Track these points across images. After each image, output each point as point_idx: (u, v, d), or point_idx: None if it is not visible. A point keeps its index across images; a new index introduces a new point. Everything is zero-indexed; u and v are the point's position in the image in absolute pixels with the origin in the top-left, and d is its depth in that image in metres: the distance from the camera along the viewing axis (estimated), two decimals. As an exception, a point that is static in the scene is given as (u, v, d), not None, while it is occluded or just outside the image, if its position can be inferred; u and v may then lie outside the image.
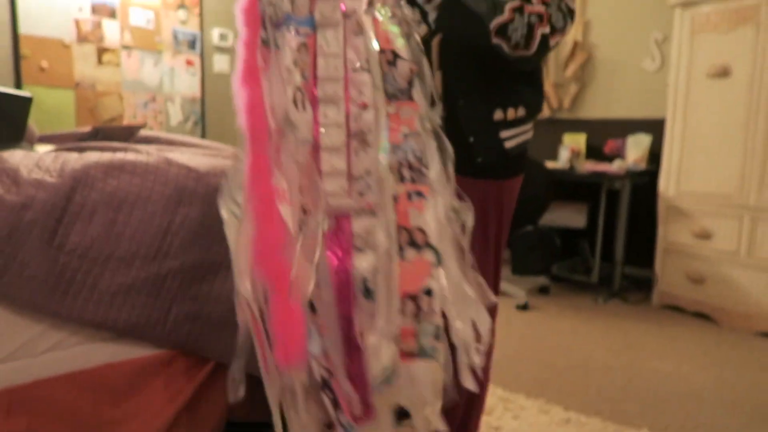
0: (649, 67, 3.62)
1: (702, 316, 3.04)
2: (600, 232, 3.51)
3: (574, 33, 3.84)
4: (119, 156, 1.42)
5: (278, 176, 1.06)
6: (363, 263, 1.07)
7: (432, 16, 1.28)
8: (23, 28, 3.35)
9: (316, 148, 1.09)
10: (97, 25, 3.66)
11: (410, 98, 1.14)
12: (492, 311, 1.23)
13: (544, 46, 1.22)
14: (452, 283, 1.11)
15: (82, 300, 1.26)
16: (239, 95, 1.06)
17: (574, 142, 3.73)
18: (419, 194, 1.11)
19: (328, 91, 1.11)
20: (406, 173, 1.11)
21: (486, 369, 1.52)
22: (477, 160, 1.34)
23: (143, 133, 1.93)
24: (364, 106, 1.11)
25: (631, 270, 3.69)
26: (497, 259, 1.48)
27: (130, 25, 3.81)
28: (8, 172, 1.24)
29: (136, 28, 3.84)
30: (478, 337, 1.12)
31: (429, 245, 1.09)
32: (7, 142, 1.46)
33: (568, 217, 3.76)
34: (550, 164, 3.43)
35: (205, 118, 4.29)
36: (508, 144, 1.35)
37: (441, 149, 1.16)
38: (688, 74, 3.02)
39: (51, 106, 3.47)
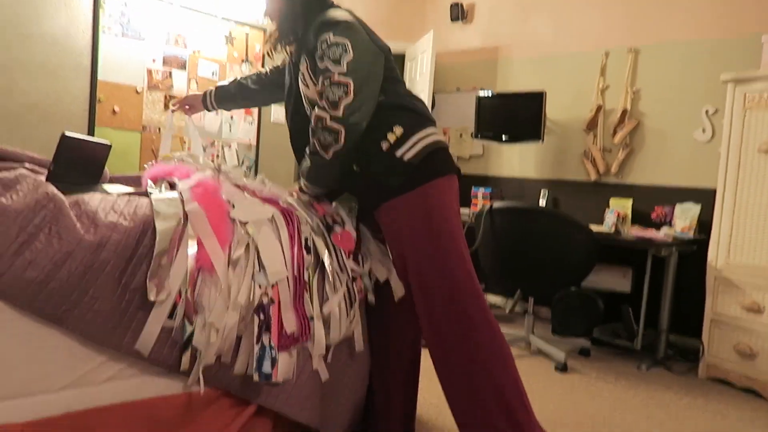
0: (699, 138, 3.61)
1: (752, 392, 2.93)
2: (645, 298, 3.45)
3: (623, 102, 3.89)
4: (185, 202, 1.54)
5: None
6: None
7: None
8: (101, 75, 3.63)
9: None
10: (167, 75, 3.93)
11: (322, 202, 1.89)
12: None
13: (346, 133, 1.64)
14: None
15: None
16: None
17: (620, 206, 3.72)
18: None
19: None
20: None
21: None
22: (394, 185, 1.70)
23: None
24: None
25: (676, 339, 3.59)
26: (458, 245, 1.73)
27: (197, 76, 4.07)
28: (89, 214, 1.36)
29: (203, 79, 4.10)
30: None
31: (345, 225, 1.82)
32: (88, 185, 1.59)
33: (612, 280, 3.71)
34: (595, 227, 3.43)
35: (258, 163, 4.49)
36: (407, 156, 1.69)
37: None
38: (739, 148, 3.00)
39: (119, 147, 3.70)
